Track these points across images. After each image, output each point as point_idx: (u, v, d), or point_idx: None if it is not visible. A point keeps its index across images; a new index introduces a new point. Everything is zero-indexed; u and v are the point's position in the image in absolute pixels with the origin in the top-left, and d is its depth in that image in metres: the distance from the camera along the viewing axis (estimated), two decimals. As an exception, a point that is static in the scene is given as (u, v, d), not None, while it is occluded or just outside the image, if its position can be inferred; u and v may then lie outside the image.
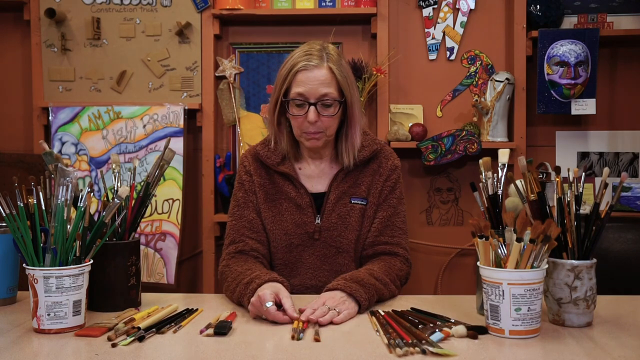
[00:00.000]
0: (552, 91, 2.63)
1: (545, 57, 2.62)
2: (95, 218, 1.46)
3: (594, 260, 1.31)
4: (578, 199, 1.33)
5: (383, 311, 1.41)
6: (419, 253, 2.83)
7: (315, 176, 1.77)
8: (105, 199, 1.51)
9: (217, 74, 2.77)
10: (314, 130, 1.67)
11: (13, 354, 1.17)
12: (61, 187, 1.34)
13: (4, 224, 1.47)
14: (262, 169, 1.76)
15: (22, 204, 1.34)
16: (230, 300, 1.57)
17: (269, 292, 1.38)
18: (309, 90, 1.65)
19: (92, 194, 1.42)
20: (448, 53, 2.82)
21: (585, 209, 1.35)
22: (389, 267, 1.63)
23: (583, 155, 2.83)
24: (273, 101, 1.72)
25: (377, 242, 1.72)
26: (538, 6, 2.68)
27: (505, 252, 1.27)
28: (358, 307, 1.43)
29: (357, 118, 1.72)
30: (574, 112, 2.64)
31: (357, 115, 1.72)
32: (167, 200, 2.71)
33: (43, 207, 1.37)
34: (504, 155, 1.45)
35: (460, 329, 1.23)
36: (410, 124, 2.76)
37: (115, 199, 1.42)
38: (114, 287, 1.46)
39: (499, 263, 1.26)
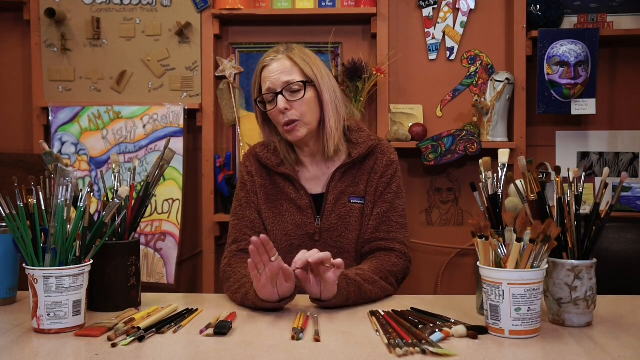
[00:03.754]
0: (552, 91, 2.63)
1: (545, 57, 2.62)
2: (95, 218, 1.46)
3: (594, 260, 1.31)
4: (578, 199, 1.33)
5: (383, 311, 1.41)
6: (419, 253, 2.83)
7: (313, 178, 1.77)
8: (105, 199, 1.51)
9: (217, 74, 2.78)
10: (289, 119, 1.68)
11: (13, 354, 1.17)
12: (61, 187, 1.34)
13: (4, 224, 1.47)
14: (263, 169, 1.77)
15: (22, 204, 1.34)
16: (231, 299, 1.57)
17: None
18: (273, 82, 1.70)
19: (92, 194, 1.42)
20: (448, 53, 2.82)
21: (585, 209, 1.35)
22: (380, 265, 1.62)
23: (583, 155, 2.83)
24: (255, 111, 1.80)
25: (373, 238, 1.71)
26: (538, 6, 2.68)
27: (505, 252, 1.27)
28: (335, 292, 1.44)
29: (328, 101, 1.72)
30: (574, 112, 2.64)
31: (327, 98, 1.72)
32: (167, 200, 2.71)
33: (43, 207, 1.37)
34: (504, 155, 1.45)
35: (460, 329, 1.23)
36: (410, 124, 2.76)
37: (115, 199, 1.42)
38: (114, 287, 1.46)
39: (499, 263, 1.26)
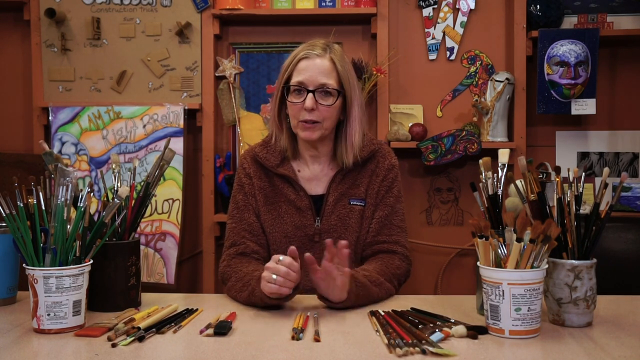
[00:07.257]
0: (552, 91, 2.63)
1: (545, 57, 2.62)
2: (95, 218, 1.46)
3: (594, 260, 1.31)
4: (578, 199, 1.33)
5: (383, 311, 1.41)
6: (419, 253, 2.83)
7: (314, 178, 1.76)
8: (105, 199, 1.51)
9: (217, 74, 2.77)
10: (310, 118, 1.66)
11: (13, 354, 1.17)
12: (61, 187, 1.34)
13: (4, 224, 1.47)
14: (261, 171, 1.76)
15: (22, 204, 1.34)
16: (233, 299, 1.57)
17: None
18: (309, 77, 1.66)
19: (92, 194, 1.42)
20: (448, 53, 2.82)
21: (585, 209, 1.35)
22: (385, 266, 1.63)
23: (583, 155, 2.83)
24: (275, 93, 1.74)
25: (375, 241, 1.72)
26: (538, 6, 2.68)
27: (505, 252, 1.27)
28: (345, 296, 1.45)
29: (356, 116, 1.72)
30: (574, 112, 2.64)
31: (356, 113, 1.72)
32: (167, 200, 2.71)
33: (43, 207, 1.37)
34: (504, 155, 1.45)
35: (460, 329, 1.23)
36: (410, 124, 2.76)
37: (115, 199, 1.42)
38: (114, 287, 1.46)
39: (499, 263, 1.26)
